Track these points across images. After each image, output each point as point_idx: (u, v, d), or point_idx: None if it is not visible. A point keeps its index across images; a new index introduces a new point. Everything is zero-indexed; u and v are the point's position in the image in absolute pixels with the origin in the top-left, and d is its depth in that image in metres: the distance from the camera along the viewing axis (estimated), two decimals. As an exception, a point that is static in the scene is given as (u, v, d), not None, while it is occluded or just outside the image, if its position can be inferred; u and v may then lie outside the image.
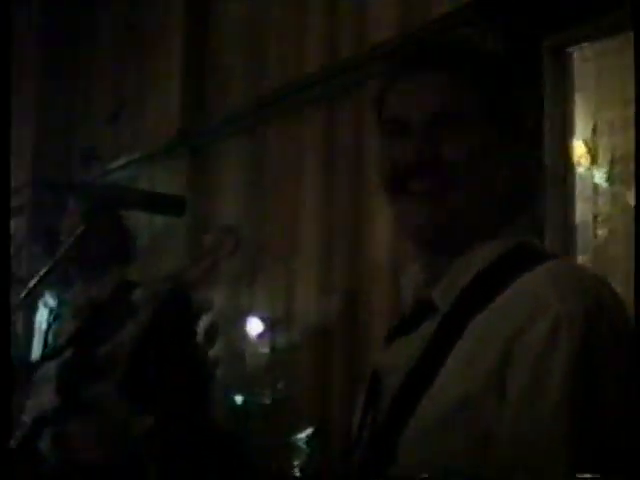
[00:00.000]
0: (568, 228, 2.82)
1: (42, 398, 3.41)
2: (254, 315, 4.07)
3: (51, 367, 3.53)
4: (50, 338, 4.59)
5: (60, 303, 4.60)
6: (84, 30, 5.89)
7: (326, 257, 3.80)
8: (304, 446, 3.54)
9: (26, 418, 3.47)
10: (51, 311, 4.72)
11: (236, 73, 4.49)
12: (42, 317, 4.77)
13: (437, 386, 1.36)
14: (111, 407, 3.17)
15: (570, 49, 2.87)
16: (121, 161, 4.97)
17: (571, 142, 2.85)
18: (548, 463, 1.25)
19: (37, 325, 4.83)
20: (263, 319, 4.02)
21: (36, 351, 4.64)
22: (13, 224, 6.06)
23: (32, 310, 4.93)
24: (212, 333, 2.71)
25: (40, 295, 4.81)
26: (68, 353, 3.40)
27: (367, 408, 1.52)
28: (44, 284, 4.80)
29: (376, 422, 1.46)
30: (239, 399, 3.94)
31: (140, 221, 4.68)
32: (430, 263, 1.48)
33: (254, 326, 4.04)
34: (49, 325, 4.69)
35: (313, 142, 3.88)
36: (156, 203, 2.10)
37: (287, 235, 4.01)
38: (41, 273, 2.30)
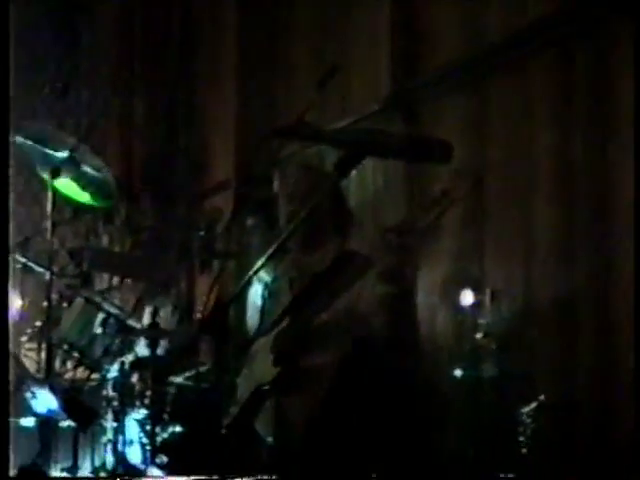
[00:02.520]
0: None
1: (259, 373, 3.26)
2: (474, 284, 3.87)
3: (268, 341, 3.36)
4: (266, 313, 4.46)
5: (275, 278, 4.44)
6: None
7: (566, 224, 3.47)
8: (529, 420, 3.31)
9: (243, 394, 3.33)
10: (266, 286, 4.57)
11: (444, 31, 4.18)
12: (257, 292, 4.62)
13: None
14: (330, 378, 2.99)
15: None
16: (330, 129, 4.74)
17: None
18: None
19: (251, 301, 4.68)
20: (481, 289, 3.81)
21: (251, 328, 4.51)
22: (221, 198, 6.08)
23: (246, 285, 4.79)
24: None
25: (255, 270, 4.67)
26: (284, 324, 3.20)
27: None
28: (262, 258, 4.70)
29: None
30: (462, 372, 3.76)
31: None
32: None
33: (469, 296, 3.83)
34: (264, 300, 4.54)
35: (544, 92, 3.56)
36: (421, 148, 1.81)
37: (517, 198, 3.70)
38: (271, 249, 2.06)
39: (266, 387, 3.10)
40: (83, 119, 6.78)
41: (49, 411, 4.26)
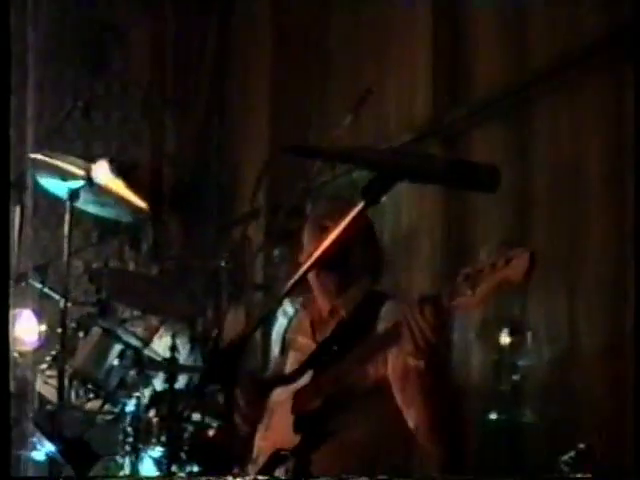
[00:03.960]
0: None
1: (278, 433, 2.90)
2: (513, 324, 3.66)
3: (289, 394, 3.03)
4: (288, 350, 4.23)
5: (297, 312, 4.22)
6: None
7: (616, 260, 3.21)
8: (566, 469, 3.11)
9: (260, 453, 3.02)
10: (290, 321, 4.34)
11: (486, 57, 3.96)
12: (280, 327, 4.40)
13: None
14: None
15: None
16: (358, 147, 4.51)
17: None
18: None
19: (275, 337, 4.46)
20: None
21: (272, 366, 4.29)
22: (242, 230, 5.91)
23: (271, 319, 4.57)
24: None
25: (279, 303, 4.45)
26: (307, 378, 2.85)
27: None
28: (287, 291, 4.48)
29: None
30: (496, 416, 3.55)
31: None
32: None
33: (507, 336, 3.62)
34: (284, 336, 4.32)
35: (595, 119, 3.31)
36: (464, 173, 1.52)
37: (563, 231, 3.45)
38: (292, 281, 1.82)
39: (285, 453, 2.74)
40: (113, 142, 6.63)
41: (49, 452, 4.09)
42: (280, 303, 4.44)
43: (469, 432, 2.89)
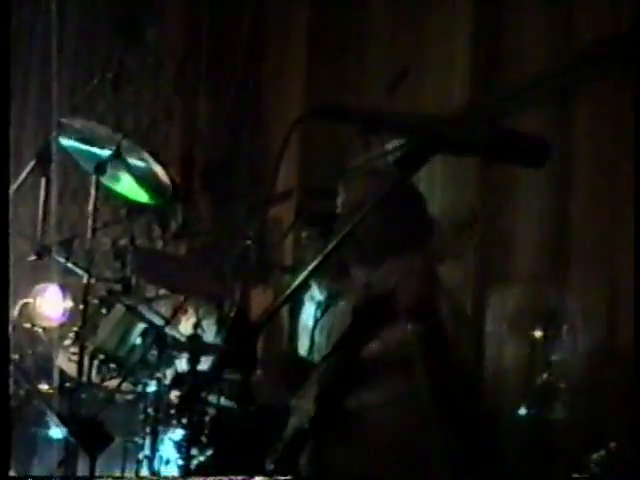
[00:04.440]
0: None
1: (306, 410, 2.85)
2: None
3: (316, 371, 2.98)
4: (317, 336, 4.11)
5: (330, 296, 4.09)
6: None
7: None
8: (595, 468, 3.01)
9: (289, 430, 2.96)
10: (319, 305, 4.23)
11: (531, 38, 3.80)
12: (309, 313, 4.28)
13: None
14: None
15: None
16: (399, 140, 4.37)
17: None
18: None
19: (302, 322, 4.35)
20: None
21: (302, 351, 4.18)
22: (276, 209, 5.79)
23: (298, 304, 4.46)
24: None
25: (306, 288, 4.33)
26: (336, 356, 2.79)
27: None
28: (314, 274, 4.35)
29: None
30: (526, 412, 3.45)
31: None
32: None
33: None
34: (316, 321, 4.20)
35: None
36: (510, 145, 1.36)
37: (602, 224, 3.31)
38: (315, 261, 1.70)
39: (306, 427, 2.69)
40: (144, 118, 6.52)
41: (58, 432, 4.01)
42: (307, 283, 4.35)
43: (490, 426, 2.76)
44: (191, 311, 5.10)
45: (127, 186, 4.57)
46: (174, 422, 4.03)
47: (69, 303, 5.07)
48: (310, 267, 1.77)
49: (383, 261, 2.73)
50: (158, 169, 4.36)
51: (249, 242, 4.30)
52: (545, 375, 3.50)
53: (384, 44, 5.06)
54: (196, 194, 6.53)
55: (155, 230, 6.48)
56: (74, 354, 4.43)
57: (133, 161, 4.33)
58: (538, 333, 3.55)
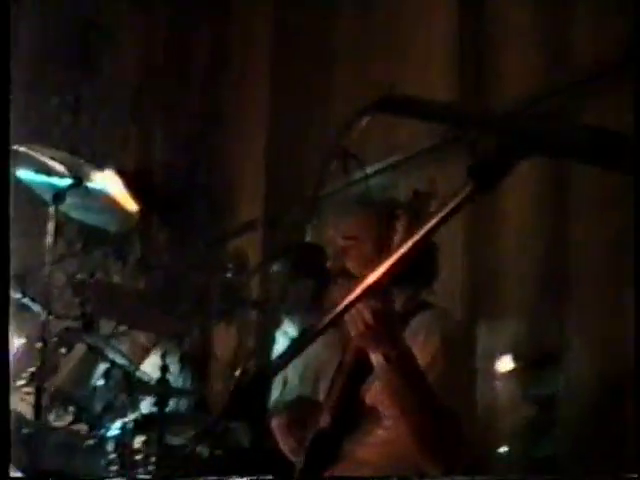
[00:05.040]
0: None
1: None
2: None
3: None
4: (290, 374, 3.89)
5: (304, 331, 3.87)
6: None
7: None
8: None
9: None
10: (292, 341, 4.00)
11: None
12: (280, 349, 4.05)
13: None
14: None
15: None
16: (390, 159, 4.16)
17: None
18: None
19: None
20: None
21: (275, 392, 3.96)
22: (247, 241, 5.57)
23: (270, 341, 4.23)
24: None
25: (278, 323, 4.11)
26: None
27: None
28: (284, 309, 4.12)
29: None
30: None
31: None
32: None
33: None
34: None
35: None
36: (610, 147, 1.15)
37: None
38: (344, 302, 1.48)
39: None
40: (99, 147, 6.27)
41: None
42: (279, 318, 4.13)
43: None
44: (153, 349, 4.85)
45: (90, 214, 4.31)
46: (140, 470, 3.76)
47: (21, 340, 4.80)
48: (332, 313, 1.54)
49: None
50: (123, 193, 4.11)
51: (229, 274, 4.05)
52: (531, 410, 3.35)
53: (352, 59, 4.88)
54: (154, 226, 6.29)
55: (111, 264, 6.22)
56: (27, 394, 4.15)
57: (95, 187, 4.07)
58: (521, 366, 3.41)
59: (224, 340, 5.52)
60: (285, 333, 4.12)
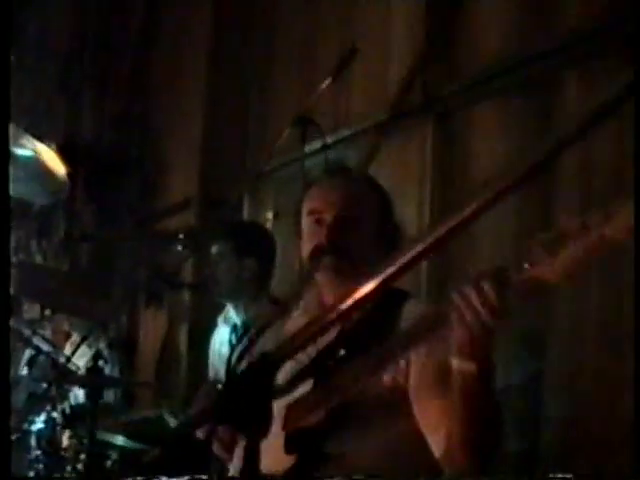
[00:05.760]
0: None
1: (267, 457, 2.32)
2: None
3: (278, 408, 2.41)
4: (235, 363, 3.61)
5: (250, 317, 3.61)
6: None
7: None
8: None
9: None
10: (234, 328, 3.74)
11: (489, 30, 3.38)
12: (222, 338, 3.79)
13: None
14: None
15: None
16: (347, 130, 3.88)
17: None
18: None
19: (214, 346, 3.84)
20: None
21: (212, 376, 3.70)
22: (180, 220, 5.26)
23: (207, 328, 3.96)
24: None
25: (219, 310, 3.84)
26: (304, 388, 2.25)
27: None
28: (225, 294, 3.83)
29: None
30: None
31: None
32: None
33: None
34: (232, 347, 3.69)
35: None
36: None
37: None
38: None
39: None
40: (23, 120, 5.90)
41: None
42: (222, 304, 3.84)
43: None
44: (75, 334, 4.54)
45: (16, 184, 3.97)
46: (68, 468, 3.44)
47: None
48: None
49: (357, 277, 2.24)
50: (52, 158, 3.77)
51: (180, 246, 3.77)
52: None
53: (297, 46, 4.61)
54: (79, 203, 5.93)
55: (33, 243, 5.86)
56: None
57: (20, 152, 3.73)
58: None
59: (153, 326, 5.23)
60: (226, 319, 3.86)
